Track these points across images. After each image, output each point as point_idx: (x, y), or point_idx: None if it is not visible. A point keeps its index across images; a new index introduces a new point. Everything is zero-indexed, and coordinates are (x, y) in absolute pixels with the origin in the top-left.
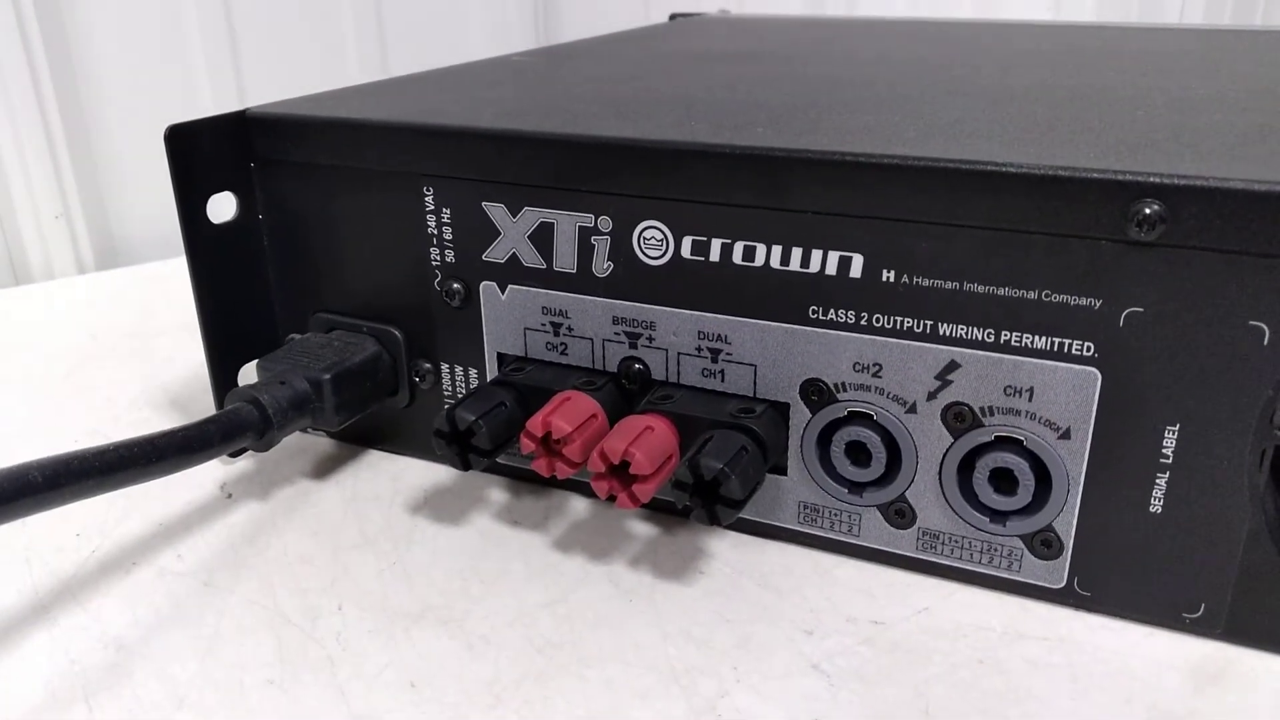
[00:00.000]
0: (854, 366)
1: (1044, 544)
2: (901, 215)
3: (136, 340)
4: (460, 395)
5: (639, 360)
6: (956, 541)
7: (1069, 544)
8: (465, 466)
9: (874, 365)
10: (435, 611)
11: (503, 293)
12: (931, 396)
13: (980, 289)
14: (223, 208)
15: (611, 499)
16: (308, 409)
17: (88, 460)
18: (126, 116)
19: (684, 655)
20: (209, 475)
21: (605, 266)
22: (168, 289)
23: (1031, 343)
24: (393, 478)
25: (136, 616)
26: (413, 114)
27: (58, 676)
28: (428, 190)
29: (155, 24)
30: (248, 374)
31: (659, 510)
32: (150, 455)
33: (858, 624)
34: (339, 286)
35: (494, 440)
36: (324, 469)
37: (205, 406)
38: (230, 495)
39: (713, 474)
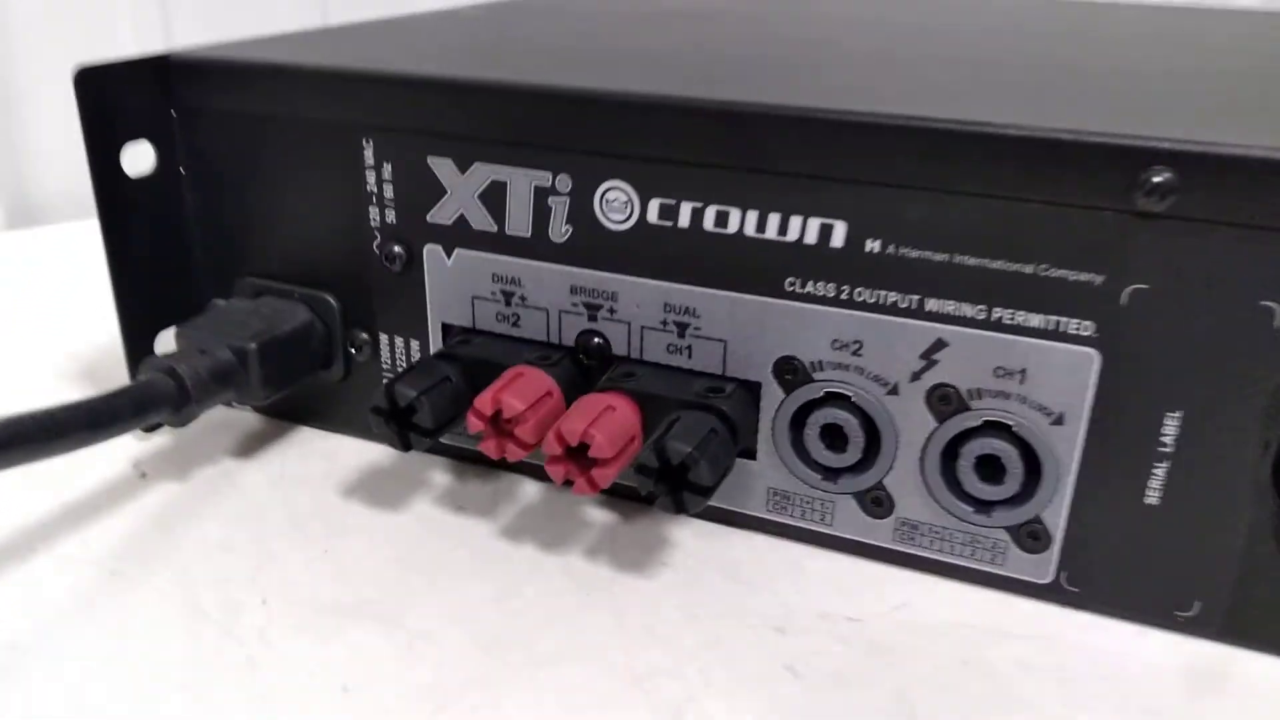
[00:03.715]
0: (832, 344)
1: (1031, 536)
2: (890, 180)
3: (52, 307)
4: (401, 369)
5: (598, 334)
6: (937, 533)
7: (1058, 537)
8: (406, 447)
9: (854, 343)
10: (370, 606)
11: (449, 257)
12: (915, 377)
13: (972, 262)
14: (139, 159)
15: (568, 484)
16: (231, 381)
17: None
18: (39, 59)
19: (647, 656)
20: (122, 452)
21: (563, 230)
22: (88, 252)
23: (1026, 321)
24: (325, 457)
25: (31, 611)
26: (352, 60)
27: None
28: (367, 143)
29: None
30: (166, 342)
31: (618, 496)
32: (50, 430)
33: (832, 621)
34: (268, 248)
35: (437, 419)
36: (249, 447)
37: (123, 378)
38: (144, 475)
39: (680, 458)
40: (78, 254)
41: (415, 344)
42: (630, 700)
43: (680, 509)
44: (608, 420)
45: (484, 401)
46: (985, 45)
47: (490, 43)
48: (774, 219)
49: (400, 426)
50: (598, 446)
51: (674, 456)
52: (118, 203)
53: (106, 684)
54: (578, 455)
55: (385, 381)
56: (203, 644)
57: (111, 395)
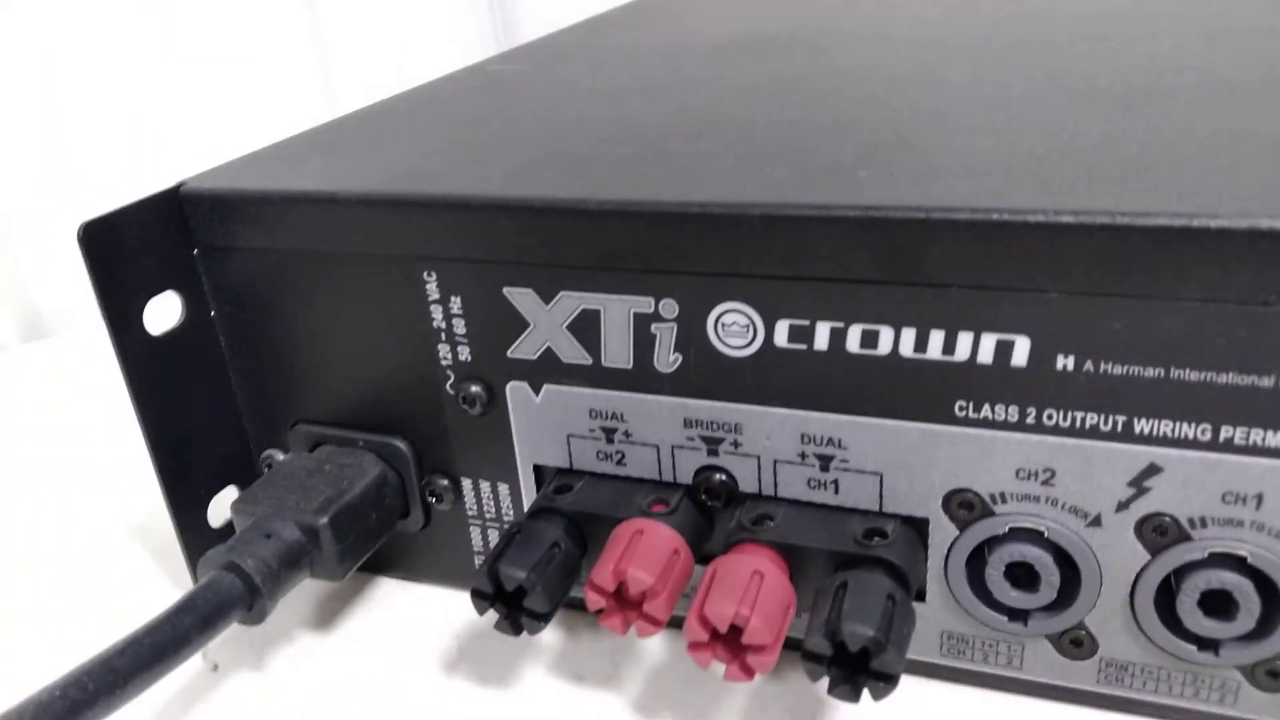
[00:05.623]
0: (1017, 473)
1: (1271, 674)
2: (1088, 289)
3: (78, 446)
4: (490, 515)
5: (721, 470)
6: (1151, 673)
7: None
8: (517, 633)
9: (1044, 471)
10: None
11: (536, 394)
12: (1122, 507)
13: (1194, 376)
14: (163, 310)
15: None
16: (303, 563)
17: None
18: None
19: None
20: None
21: (671, 360)
22: (110, 367)
23: (1263, 440)
24: (415, 620)
25: None
26: (398, 180)
27: None
28: (429, 276)
29: None
30: (221, 508)
31: None
32: (114, 682)
33: None
34: (322, 392)
35: (552, 600)
36: (326, 612)
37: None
38: (215, 667)
39: (861, 644)
40: (104, 372)
41: (504, 487)
42: None
43: (858, 696)
44: (760, 594)
45: (604, 576)
46: (1153, 76)
47: (543, 125)
48: (936, 337)
49: (510, 610)
50: (754, 632)
51: (853, 643)
52: (147, 367)
53: None
54: (725, 637)
55: (484, 562)
56: None
57: (173, 615)
